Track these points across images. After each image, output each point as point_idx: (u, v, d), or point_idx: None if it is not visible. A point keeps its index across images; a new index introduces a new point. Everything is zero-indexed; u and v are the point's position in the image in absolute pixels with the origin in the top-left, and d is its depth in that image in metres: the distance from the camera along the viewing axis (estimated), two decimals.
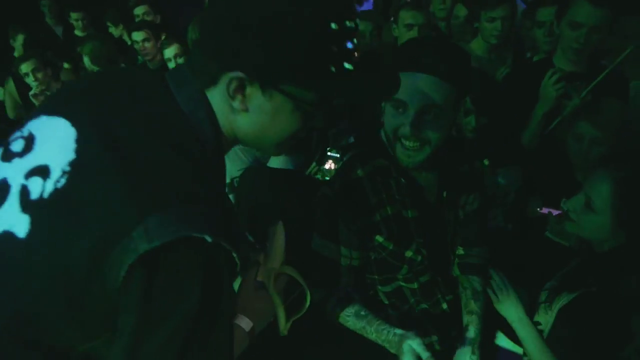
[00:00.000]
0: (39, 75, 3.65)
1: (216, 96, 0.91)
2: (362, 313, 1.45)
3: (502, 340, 1.72)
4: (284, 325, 1.05)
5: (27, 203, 0.83)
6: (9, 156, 0.89)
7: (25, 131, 0.91)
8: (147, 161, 0.81)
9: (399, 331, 1.36)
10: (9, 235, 0.82)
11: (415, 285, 1.55)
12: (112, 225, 0.77)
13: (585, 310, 1.43)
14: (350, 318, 1.46)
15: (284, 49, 0.83)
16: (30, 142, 0.88)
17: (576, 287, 1.48)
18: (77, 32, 4.81)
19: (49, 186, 0.82)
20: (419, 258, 1.52)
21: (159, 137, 0.85)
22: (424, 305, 1.57)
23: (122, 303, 0.78)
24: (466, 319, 1.56)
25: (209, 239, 0.77)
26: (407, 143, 1.37)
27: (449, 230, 1.58)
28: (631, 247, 1.42)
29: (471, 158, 1.64)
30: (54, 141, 0.86)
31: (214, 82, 0.90)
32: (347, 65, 0.87)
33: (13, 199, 0.84)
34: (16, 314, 0.81)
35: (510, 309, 1.56)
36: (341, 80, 0.88)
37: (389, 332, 1.38)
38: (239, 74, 0.86)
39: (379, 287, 1.57)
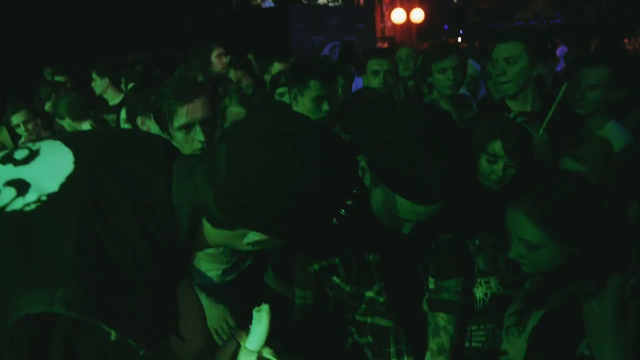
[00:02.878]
0: (29, 126, 3.82)
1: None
2: None
3: None
4: None
5: None
6: (6, 160, 0.93)
7: (37, 145, 0.96)
8: (106, 234, 0.83)
9: None
10: None
11: (368, 320, 1.57)
12: (37, 275, 0.79)
13: (554, 327, 1.42)
14: None
15: (303, 225, 0.96)
16: (33, 156, 0.93)
17: (541, 304, 1.47)
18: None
19: (18, 203, 0.85)
20: (381, 299, 1.53)
21: (134, 212, 0.88)
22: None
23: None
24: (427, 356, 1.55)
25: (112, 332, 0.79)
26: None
27: (418, 267, 1.60)
28: (584, 253, 1.45)
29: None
30: (52, 165, 0.91)
31: (228, 228, 0.97)
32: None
33: None
34: None
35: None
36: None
37: None
38: (261, 235, 0.97)
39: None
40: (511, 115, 2.25)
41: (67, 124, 3.65)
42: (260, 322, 1.11)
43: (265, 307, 1.12)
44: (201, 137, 1.81)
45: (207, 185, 0.93)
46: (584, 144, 2.00)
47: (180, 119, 1.81)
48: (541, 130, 2.25)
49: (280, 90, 3.19)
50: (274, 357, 1.12)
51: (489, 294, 1.81)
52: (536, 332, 1.46)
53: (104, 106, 4.47)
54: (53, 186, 0.87)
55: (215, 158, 0.93)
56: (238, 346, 1.14)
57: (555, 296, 1.45)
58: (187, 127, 1.83)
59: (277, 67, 3.80)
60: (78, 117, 3.63)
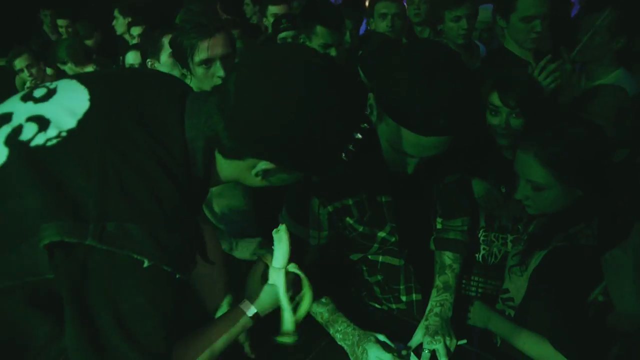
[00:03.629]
0: (33, 70, 3.79)
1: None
2: (324, 300, 1.53)
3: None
4: (291, 321, 1.19)
5: (13, 139, 0.89)
6: (26, 98, 0.97)
7: (54, 84, 1.00)
8: (127, 168, 0.87)
9: (359, 330, 1.43)
10: None
11: (380, 259, 1.64)
12: (66, 204, 0.83)
13: (555, 266, 1.48)
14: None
15: (310, 155, 0.96)
16: (50, 94, 0.97)
17: (543, 245, 1.52)
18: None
19: (40, 139, 0.89)
20: (393, 239, 1.57)
21: (151, 148, 0.90)
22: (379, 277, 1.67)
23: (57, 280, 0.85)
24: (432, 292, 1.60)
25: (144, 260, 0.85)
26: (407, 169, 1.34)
27: (429, 208, 1.65)
28: (588, 197, 1.48)
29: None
30: (69, 103, 0.94)
31: (238, 157, 0.99)
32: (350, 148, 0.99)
33: (4, 131, 0.91)
34: None
35: (478, 312, 1.65)
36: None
37: (348, 326, 1.46)
38: (269, 164, 0.98)
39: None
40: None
41: (69, 68, 3.62)
42: (281, 241, 1.19)
43: (282, 227, 1.19)
44: (221, 73, 1.81)
45: (217, 114, 0.95)
46: (595, 98, 1.96)
47: (201, 54, 1.80)
48: (574, 53, 2.22)
49: (283, 35, 3.06)
50: (299, 270, 1.21)
51: (502, 251, 1.87)
52: (537, 271, 1.52)
53: (124, 46, 4.40)
54: (71, 122, 0.91)
55: (226, 86, 0.95)
56: (266, 267, 1.23)
57: (557, 237, 1.49)
58: (208, 62, 1.82)
59: (272, 10, 3.65)
60: (80, 62, 3.59)
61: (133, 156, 0.89)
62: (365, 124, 1.00)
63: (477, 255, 1.90)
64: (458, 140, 1.24)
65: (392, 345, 1.41)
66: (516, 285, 1.61)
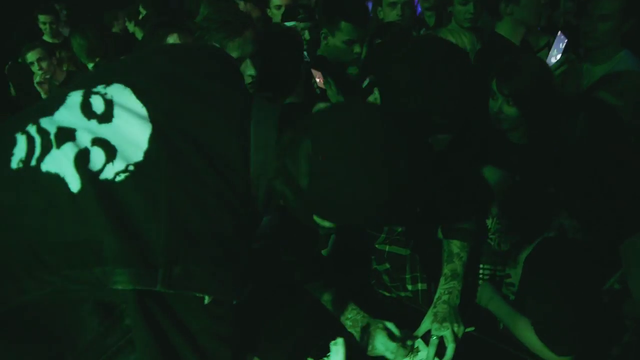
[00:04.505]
0: (44, 64, 3.82)
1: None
2: (334, 289, 1.53)
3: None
4: None
5: (83, 167, 0.88)
6: (87, 112, 0.94)
7: (109, 93, 0.95)
8: (192, 210, 0.88)
9: (368, 318, 1.45)
10: (62, 182, 0.87)
11: (387, 248, 1.67)
12: (138, 251, 0.85)
13: (546, 254, 1.56)
14: (321, 290, 1.52)
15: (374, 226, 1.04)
16: (109, 111, 0.93)
17: (535, 236, 1.60)
18: (46, 37, 4.68)
19: (109, 172, 0.88)
20: (399, 229, 1.60)
21: (215, 183, 0.90)
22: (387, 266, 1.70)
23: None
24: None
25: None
26: None
27: (435, 197, 1.64)
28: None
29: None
30: (131, 129, 0.91)
31: (300, 216, 1.02)
32: None
33: (70, 150, 0.89)
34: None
35: (484, 292, 1.72)
36: None
37: (358, 313, 1.47)
38: (333, 225, 1.02)
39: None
40: None
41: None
42: (338, 354, 1.23)
43: (340, 340, 1.23)
44: (252, 72, 1.74)
45: (285, 180, 0.94)
46: (620, 78, 1.94)
47: (232, 53, 1.69)
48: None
49: (296, 24, 3.01)
50: None
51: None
52: (529, 260, 1.59)
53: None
54: (138, 155, 0.89)
55: (296, 154, 0.91)
56: None
57: (548, 230, 1.56)
58: (238, 61, 1.71)
59: (275, 2, 3.58)
60: (90, 57, 3.61)
61: (197, 194, 0.89)
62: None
63: (490, 243, 1.92)
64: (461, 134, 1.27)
65: (399, 333, 1.44)
66: (516, 272, 1.67)
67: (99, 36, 3.66)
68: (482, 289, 1.72)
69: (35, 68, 3.83)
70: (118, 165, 0.88)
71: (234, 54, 1.69)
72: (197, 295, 0.89)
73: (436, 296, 1.55)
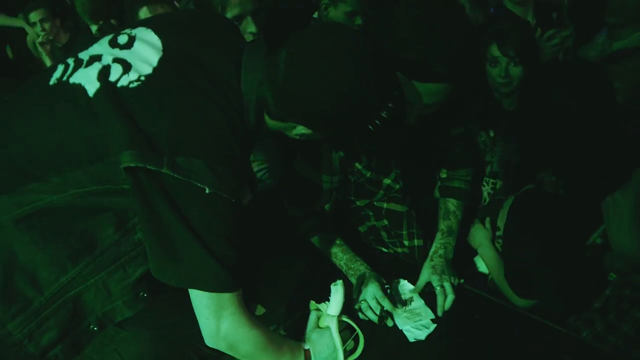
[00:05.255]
0: (47, 25, 3.78)
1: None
2: (338, 242, 1.62)
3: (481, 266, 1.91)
4: None
5: (103, 76, 1.07)
6: (113, 43, 1.16)
7: (134, 32, 1.17)
8: (193, 112, 1.03)
9: (368, 267, 1.55)
10: (82, 89, 1.07)
11: (385, 205, 1.73)
12: (144, 138, 0.99)
13: (524, 205, 1.70)
14: (325, 243, 1.62)
15: (347, 128, 1.14)
16: (131, 41, 1.14)
17: (518, 189, 1.77)
18: None
19: (124, 80, 1.06)
20: (397, 186, 1.67)
21: (213, 96, 1.06)
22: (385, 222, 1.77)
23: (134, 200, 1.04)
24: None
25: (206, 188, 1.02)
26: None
27: (432, 157, 1.72)
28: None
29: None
30: (145, 52, 1.11)
31: (281, 120, 1.15)
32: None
33: (96, 66, 1.10)
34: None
35: (477, 234, 1.83)
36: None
37: (359, 262, 1.56)
38: (308, 130, 1.15)
39: (356, 202, 1.78)
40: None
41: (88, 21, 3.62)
42: (337, 293, 1.35)
43: (340, 282, 1.36)
44: (253, 29, 1.79)
45: (267, 84, 1.10)
46: (623, 59, 1.94)
47: (233, 10, 1.77)
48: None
49: None
50: (350, 320, 1.37)
51: (490, 195, 1.98)
52: (510, 210, 1.74)
53: None
54: (148, 69, 1.08)
55: (277, 62, 1.08)
56: (320, 313, 1.38)
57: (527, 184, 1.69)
58: (239, 18, 1.80)
59: None
60: (93, 19, 3.59)
61: (198, 101, 1.05)
62: (397, 92, 1.13)
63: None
64: (458, 92, 1.29)
65: (401, 293, 1.54)
66: (503, 223, 1.77)
67: None
68: (476, 230, 1.84)
69: (37, 29, 3.81)
70: (132, 76, 1.07)
71: (235, 11, 1.76)
72: (199, 185, 0.99)
73: (432, 250, 1.62)
